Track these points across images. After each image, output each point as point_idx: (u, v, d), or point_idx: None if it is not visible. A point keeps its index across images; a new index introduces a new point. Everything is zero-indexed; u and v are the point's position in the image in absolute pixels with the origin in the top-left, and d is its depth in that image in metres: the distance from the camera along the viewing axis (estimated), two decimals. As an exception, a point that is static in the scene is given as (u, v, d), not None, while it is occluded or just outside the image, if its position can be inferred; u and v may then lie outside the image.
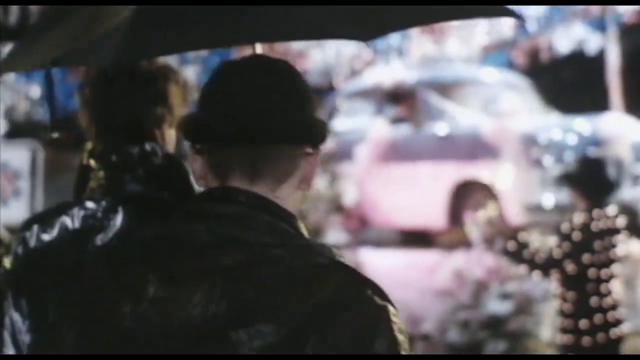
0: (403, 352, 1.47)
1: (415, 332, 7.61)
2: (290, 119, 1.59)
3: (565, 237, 5.84)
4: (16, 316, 2.23)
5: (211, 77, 1.65)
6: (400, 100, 10.24)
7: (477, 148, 9.21)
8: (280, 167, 1.59)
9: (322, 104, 15.37)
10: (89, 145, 2.40)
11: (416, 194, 9.76)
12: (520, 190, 8.94)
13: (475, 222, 9.20)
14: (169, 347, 1.50)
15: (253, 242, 1.52)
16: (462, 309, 7.46)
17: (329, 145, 10.65)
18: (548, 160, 8.91)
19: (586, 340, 5.78)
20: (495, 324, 7.34)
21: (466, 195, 9.43)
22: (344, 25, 2.66)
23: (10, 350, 2.23)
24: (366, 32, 2.68)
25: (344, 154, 10.36)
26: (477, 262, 7.58)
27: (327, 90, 14.46)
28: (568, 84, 17.39)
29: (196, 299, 1.50)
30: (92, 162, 2.35)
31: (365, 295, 1.48)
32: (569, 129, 9.35)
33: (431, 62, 11.31)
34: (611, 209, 5.98)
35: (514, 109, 9.27)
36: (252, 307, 1.47)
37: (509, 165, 9.02)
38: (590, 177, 5.98)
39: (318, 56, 11.19)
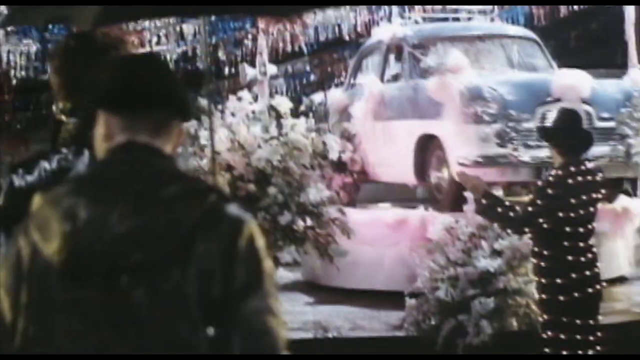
0: (260, 246, 2.15)
1: (405, 289, 7.60)
2: (180, 99, 2.30)
3: (540, 193, 5.76)
4: (5, 243, 2.79)
5: (122, 61, 2.41)
6: (397, 57, 10.14)
7: (435, 103, 9.07)
8: (170, 130, 2.26)
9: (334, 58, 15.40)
10: (59, 104, 3.03)
11: (394, 151, 9.72)
12: (462, 146, 8.79)
13: (437, 178, 9.19)
14: (97, 259, 2.08)
15: (154, 175, 2.17)
16: (452, 265, 7.41)
17: (343, 101, 10.72)
18: (492, 116, 8.73)
19: (563, 297, 5.71)
20: (485, 281, 7.28)
21: (427, 151, 9.33)
22: None
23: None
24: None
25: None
26: (468, 218, 7.51)
27: (336, 45, 14.44)
28: (585, 37, 17.15)
29: (114, 215, 2.09)
30: (62, 117, 3.00)
31: (232, 207, 2.15)
32: (518, 85, 9.12)
33: (437, 17, 11.16)
34: (590, 164, 5.88)
35: (459, 65, 9.05)
36: (157, 218, 2.09)
37: (452, 121, 8.88)
38: (567, 132, 5.87)
39: (319, 13, 11.09)
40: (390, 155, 9.81)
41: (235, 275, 2.09)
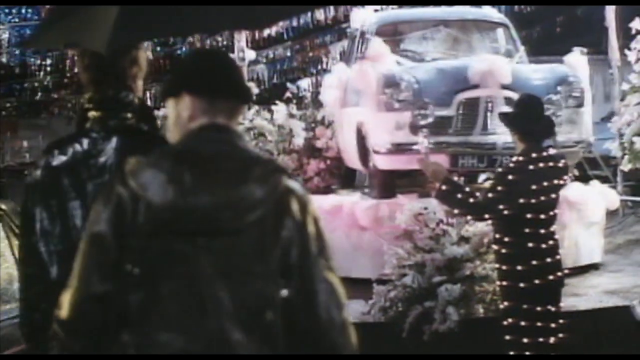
0: (319, 217, 2.66)
1: (372, 276, 7.57)
2: (247, 89, 2.81)
3: (501, 179, 5.71)
4: (44, 214, 3.24)
5: (205, 55, 2.99)
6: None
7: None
8: (238, 115, 2.74)
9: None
10: (87, 95, 3.44)
11: (348, 137, 9.73)
12: (379, 133, 8.78)
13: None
14: (200, 221, 2.52)
15: (241, 155, 2.62)
16: (419, 252, 7.38)
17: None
18: (405, 103, 8.65)
19: (524, 284, 5.67)
20: (452, 268, 7.25)
21: (362, 136, 9.31)
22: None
23: (38, 239, 3.26)
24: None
25: None
26: (436, 205, 7.47)
27: (316, 30, 14.38)
28: (570, 23, 17.07)
29: (213, 187, 2.54)
30: (89, 106, 3.38)
31: (296, 185, 2.67)
32: (436, 71, 9.02)
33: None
34: (552, 151, 5.83)
35: (379, 52, 9.00)
36: (246, 192, 2.55)
37: (370, 108, 8.87)
38: (528, 117, 5.81)
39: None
40: (347, 141, 9.82)
41: (308, 244, 2.60)
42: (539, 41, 16.31)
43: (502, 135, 8.47)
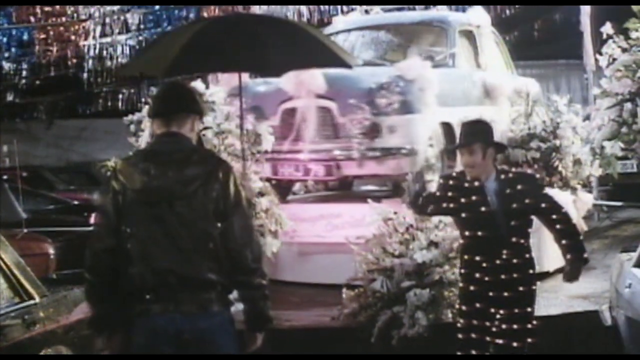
0: (238, 180, 4.21)
1: (341, 282, 7.54)
2: (194, 106, 4.26)
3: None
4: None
5: (161, 89, 4.43)
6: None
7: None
8: (188, 123, 4.21)
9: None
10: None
11: None
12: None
13: None
14: (162, 194, 4.02)
15: (185, 150, 4.12)
16: (389, 257, 7.36)
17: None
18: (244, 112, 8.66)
19: (487, 279, 5.60)
20: (421, 272, 7.24)
21: None
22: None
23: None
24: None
25: None
26: (406, 210, 7.46)
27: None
28: (548, 28, 17.12)
29: (170, 170, 4.04)
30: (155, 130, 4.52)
31: (223, 161, 4.27)
32: (268, 83, 9.16)
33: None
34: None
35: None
36: (191, 171, 4.06)
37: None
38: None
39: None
40: None
41: (230, 197, 4.07)
42: (516, 45, 16.34)
43: (309, 145, 8.62)
